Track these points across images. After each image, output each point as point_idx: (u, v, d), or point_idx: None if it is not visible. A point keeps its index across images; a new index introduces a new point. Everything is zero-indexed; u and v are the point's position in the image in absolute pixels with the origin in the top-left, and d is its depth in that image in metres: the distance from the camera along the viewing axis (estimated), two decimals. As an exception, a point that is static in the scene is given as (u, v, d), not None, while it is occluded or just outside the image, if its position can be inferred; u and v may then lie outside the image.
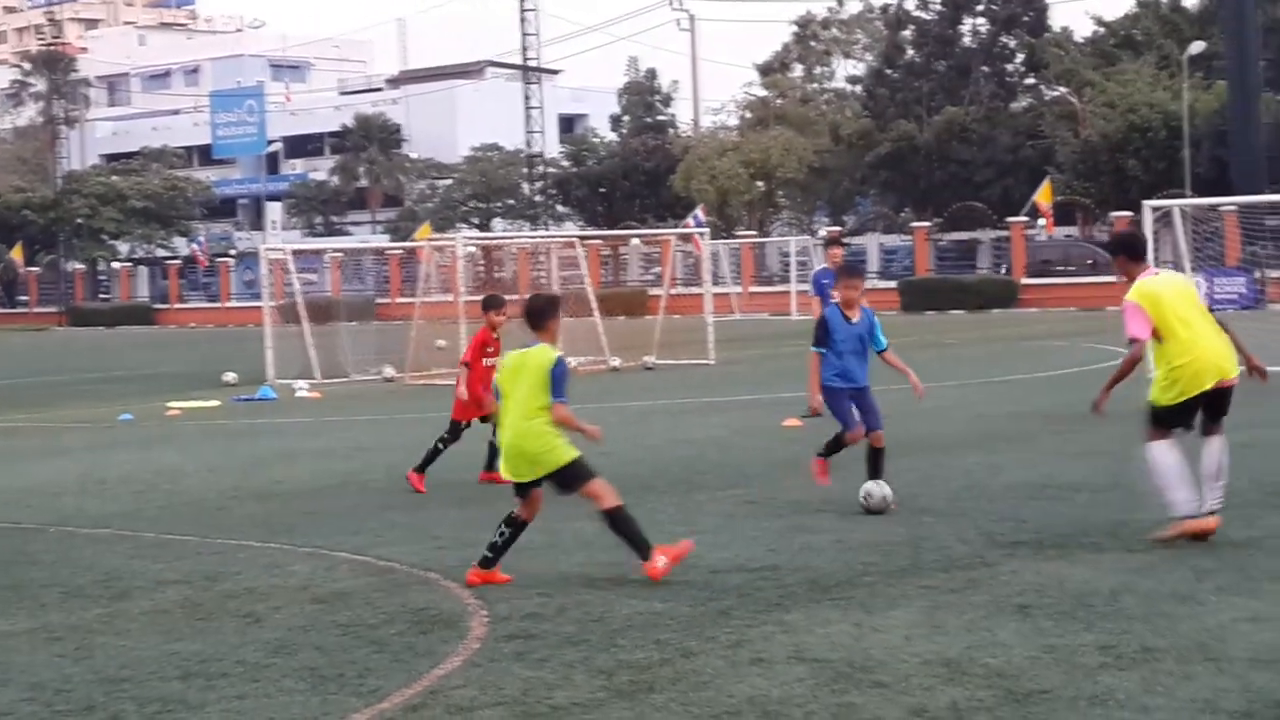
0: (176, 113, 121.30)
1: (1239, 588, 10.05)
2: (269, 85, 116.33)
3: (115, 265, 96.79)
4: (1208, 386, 11.44)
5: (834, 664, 8.50)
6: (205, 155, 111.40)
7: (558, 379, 11.05)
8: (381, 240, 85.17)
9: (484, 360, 16.39)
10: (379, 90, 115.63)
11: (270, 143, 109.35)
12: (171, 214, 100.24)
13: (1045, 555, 11.30)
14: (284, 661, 9.13)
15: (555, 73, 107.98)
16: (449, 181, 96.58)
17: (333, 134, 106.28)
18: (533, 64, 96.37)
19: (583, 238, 44.74)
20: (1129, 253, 11.98)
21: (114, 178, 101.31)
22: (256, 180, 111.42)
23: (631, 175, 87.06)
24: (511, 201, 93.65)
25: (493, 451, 15.44)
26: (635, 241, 67.51)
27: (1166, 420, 11.55)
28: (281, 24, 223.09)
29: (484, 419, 16.08)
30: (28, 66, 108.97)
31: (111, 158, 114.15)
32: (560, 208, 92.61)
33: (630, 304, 58.31)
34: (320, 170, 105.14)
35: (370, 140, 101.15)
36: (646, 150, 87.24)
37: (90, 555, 13.05)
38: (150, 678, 8.89)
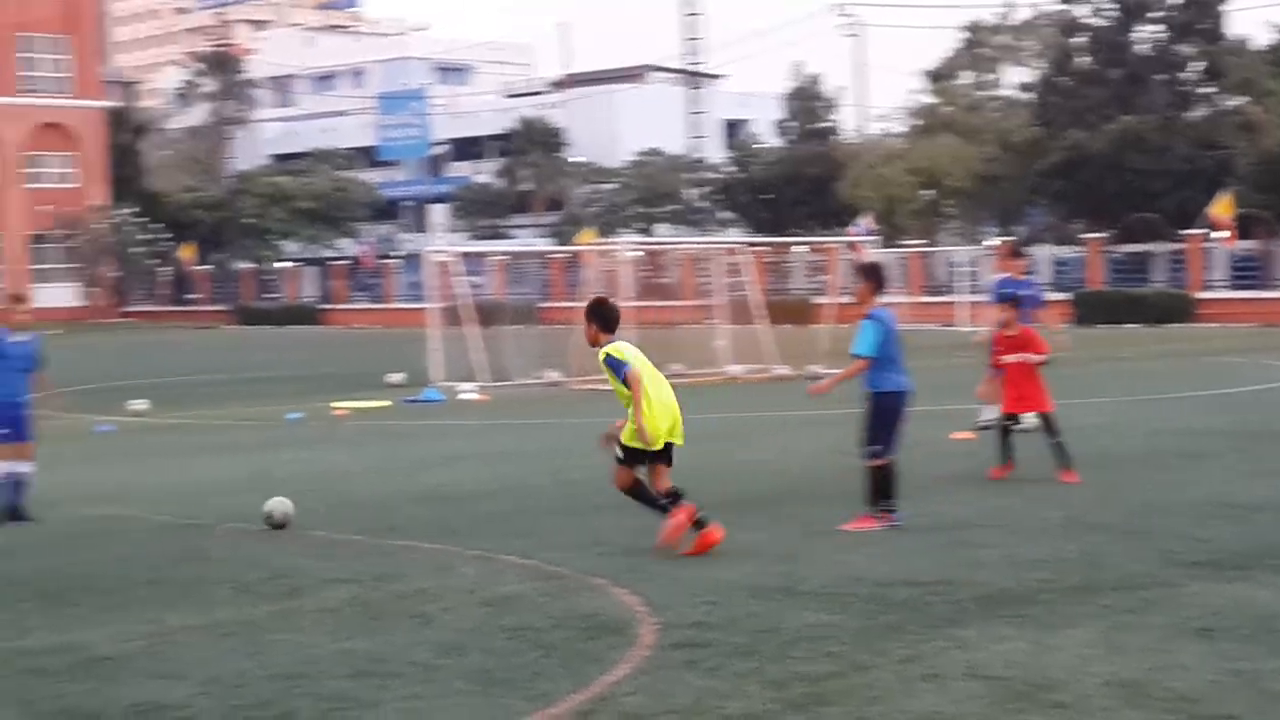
0: (343, 114, 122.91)
1: None
2: (433, 87, 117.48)
3: (282, 265, 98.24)
4: None
5: (1010, 682, 8.33)
6: (370, 157, 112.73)
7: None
8: (544, 244, 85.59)
9: None
10: (542, 93, 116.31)
11: (435, 145, 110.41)
12: (337, 215, 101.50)
13: (1226, 576, 11.01)
14: (454, 663, 9.15)
15: (718, 77, 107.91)
16: (612, 186, 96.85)
17: (496, 137, 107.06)
18: (696, 68, 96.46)
19: (748, 244, 44.59)
20: None
21: (282, 178, 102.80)
22: (421, 182, 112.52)
23: (796, 182, 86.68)
24: (675, 207, 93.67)
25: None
26: (800, 249, 67.20)
27: None
28: (446, 27, 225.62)
29: None
30: (198, 67, 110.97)
31: (279, 158, 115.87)
32: (724, 213, 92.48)
33: (794, 312, 57.96)
34: (484, 173, 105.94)
35: (533, 143, 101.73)
36: (812, 156, 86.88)
37: (261, 553, 13.21)
38: (323, 675, 8.95)
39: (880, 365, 13.40)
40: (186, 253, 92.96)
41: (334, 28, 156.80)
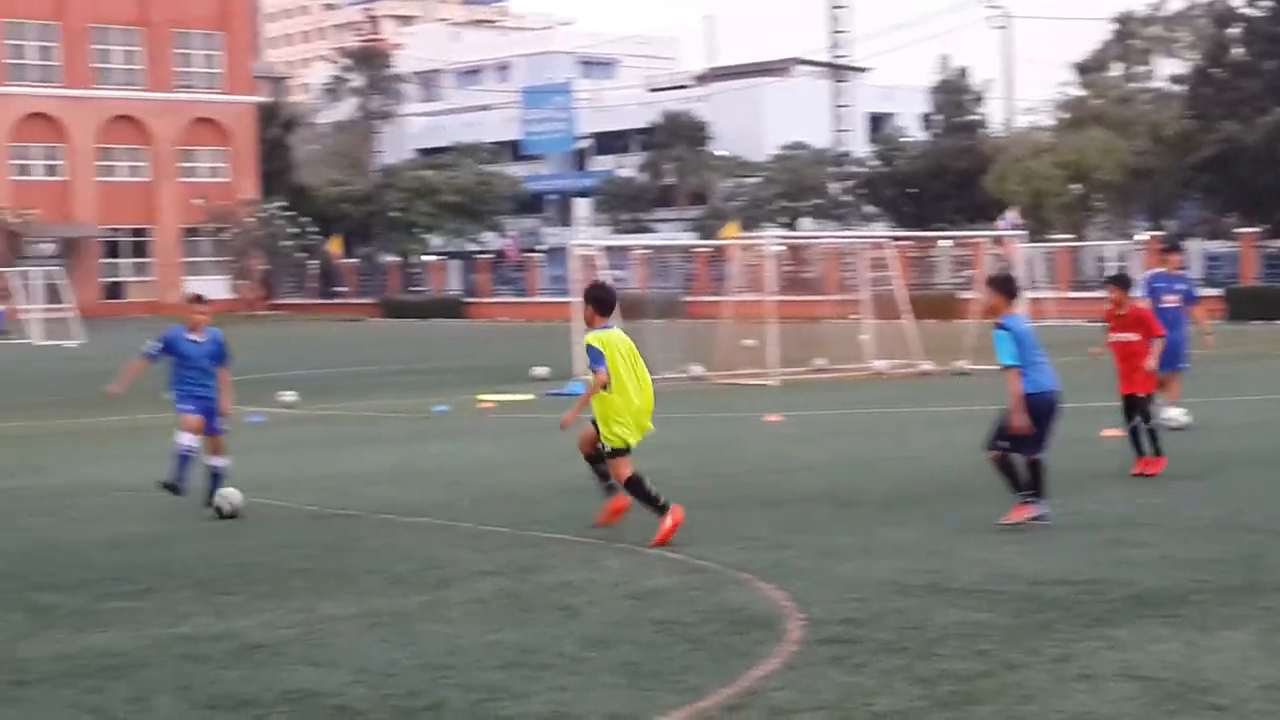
0: (487, 108, 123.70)
1: None
2: (578, 82, 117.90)
3: (427, 258, 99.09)
4: None
5: (1165, 683, 8.21)
6: (515, 151, 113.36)
7: None
8: (688, 238, 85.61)
9: None
10: (686, 87, 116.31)
11: (579, 139, 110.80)
12: (482, 208, 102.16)
13: (1387, 579, 10.79)
14: (602, 656, 9.18)
15: (864, 70, 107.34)
16: (756, 180, 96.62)
17: (640, 131, 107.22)
18: (842, 61, 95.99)
19: (892, 238, 44.32)
20: None
21: (427, 172, 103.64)
22: (565, 176, 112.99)
23: (942, 176, 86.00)
24: (819, 201, 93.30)
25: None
26: (945, 243, 66.63)
27: None
28: (590, 21, 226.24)
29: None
30: (346, 62, 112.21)
31: (425, 152, 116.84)
32: (868, 208, 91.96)
33: (940, 307, 57.50)
34: (627, 167, 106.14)
35: (677, 137, 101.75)
36: (958, 150, 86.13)
37: (410, 543, 13.33)
38: (473, 666, 9.03)
39: (1021, 370, 13.29)
40: (334, 246, 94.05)
41: (479, 22, 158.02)
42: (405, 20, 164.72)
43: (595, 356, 12.93)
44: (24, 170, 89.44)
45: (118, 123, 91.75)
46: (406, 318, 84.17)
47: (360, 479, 17.71)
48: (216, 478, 15.44)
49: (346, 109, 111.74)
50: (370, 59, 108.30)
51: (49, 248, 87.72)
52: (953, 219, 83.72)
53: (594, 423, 13.26)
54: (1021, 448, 13.32)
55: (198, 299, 15.78)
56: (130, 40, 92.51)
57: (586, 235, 75.19)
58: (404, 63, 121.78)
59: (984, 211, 78.20)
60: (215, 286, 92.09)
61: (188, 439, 15.27)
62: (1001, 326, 13.27)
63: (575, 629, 9.91)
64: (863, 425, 23.12)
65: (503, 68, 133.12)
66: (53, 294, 67.68)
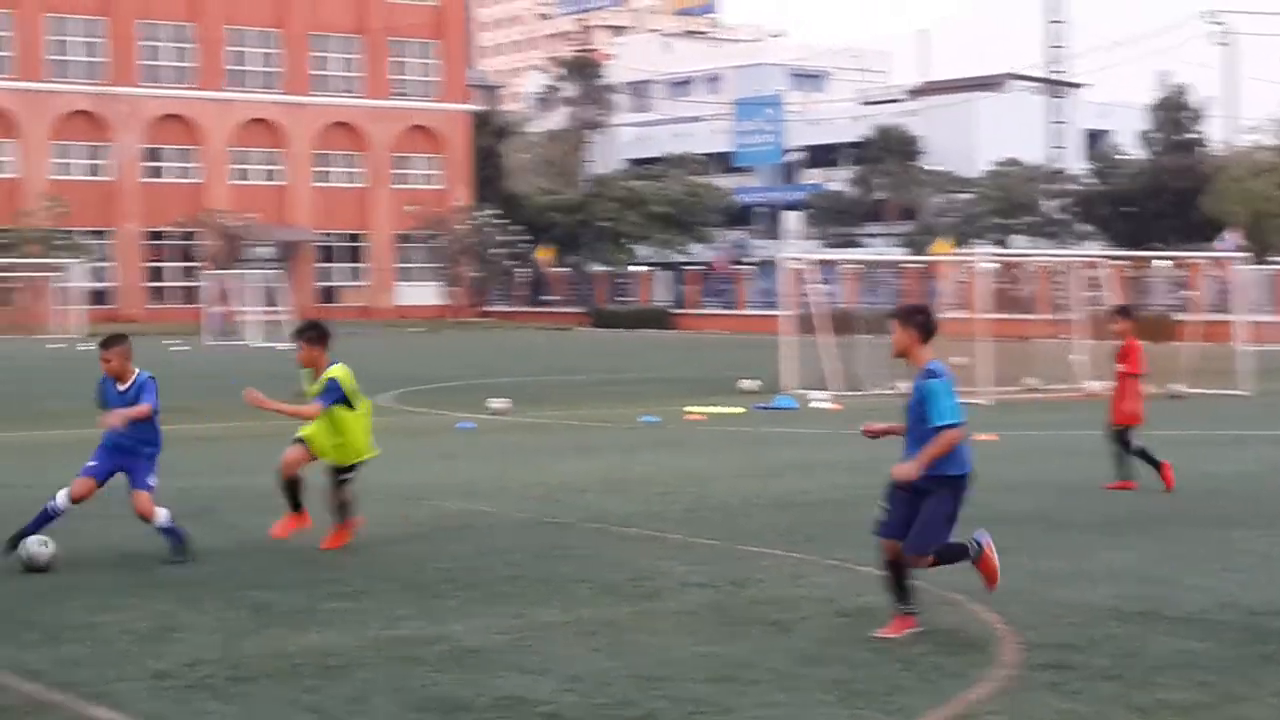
0: (698, 119, 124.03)
1: None
2: (788, 94, 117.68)
3: (635, 268, 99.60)
4: None
5: (1397, 724, 7.95)
6: (724, 162, 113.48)
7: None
8: (898, 253, 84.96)
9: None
10: (899, 101, 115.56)
11: (789, 152, 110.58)
12: (691, 220, 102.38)
13: None
14: (813, 672, 9.13)
15: (1081, 86, 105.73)
16: (968, 196, 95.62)
17: (851, 144, 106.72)
18: (1058, 77, 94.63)
19: (1107, 257, 43.56)
20: None
21: (637, 182, 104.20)
22: (774, 189, 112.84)
23: (1160, 194, 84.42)
24: (1033, 218, 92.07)
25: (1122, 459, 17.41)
26: (1162, 263, 65.36)
27: None
28: (802, 33, 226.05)
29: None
30: (559, 72, 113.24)
31: (635, 162, 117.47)
32: (1083, 226, 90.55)
33: (1155, 328, 56.39)
34: (837, 180, 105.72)
35: (889, 152, 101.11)
36: (1177, 169, 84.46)
37: (620, 553, 13.38)
38: (683, 678, 9.03)
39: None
40: (545, 254, 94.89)
41: (691, 33, 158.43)
42: (617, 31, 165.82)
43: (334, 389, 13.28)
44: (243, 175, 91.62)
45: (335, 129, 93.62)
46: (614, 328, 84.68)
47: (569, 487, 17.81)
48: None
49: (558, 118, 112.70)
50: (583, 69, 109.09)
51: (267, 251, 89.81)
52: (1169, 239, 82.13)
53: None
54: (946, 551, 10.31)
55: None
56: (349, 48, 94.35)
57: (796, 248, 75.05)
58: (616, 73, 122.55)
59: (1201, 232, 76.64)
60: (427, 293, 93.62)
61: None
62: (932, 374, 10.15)
63: (785, 644, 9.87)
64: (1076, 446, 22.73)
65: (713, 79, 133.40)
66: (269, 297, 69.23)
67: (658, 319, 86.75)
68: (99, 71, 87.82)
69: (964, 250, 48.73)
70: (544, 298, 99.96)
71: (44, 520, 12.73)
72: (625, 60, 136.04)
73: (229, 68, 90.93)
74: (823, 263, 46.74)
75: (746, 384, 34.73)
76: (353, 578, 12.15)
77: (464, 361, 50.13)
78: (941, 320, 34.31)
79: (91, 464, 12.95)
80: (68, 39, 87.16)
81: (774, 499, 16.70)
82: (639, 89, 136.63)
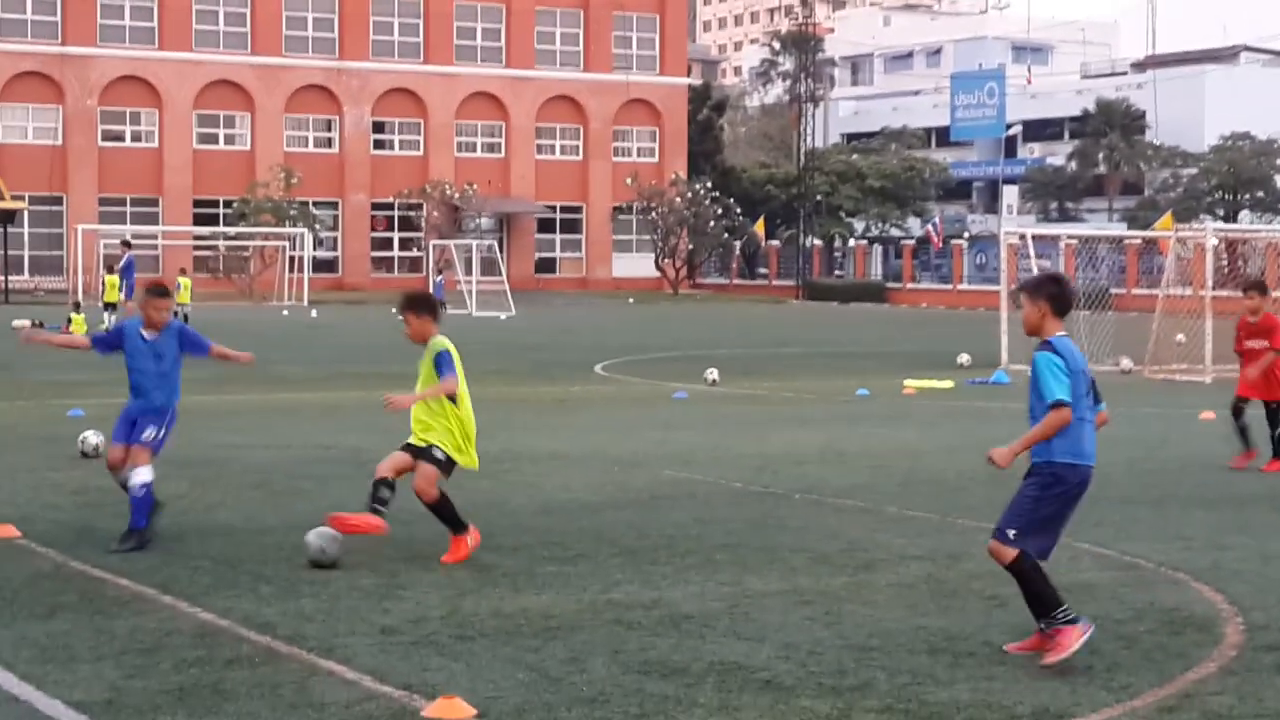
0: (917, 93, 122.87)
1: None
2: (1010, 67, 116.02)
3: (851, 243, 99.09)
4: None
5: None
6: (942, 137, 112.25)
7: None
8: (1119, 229, 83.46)
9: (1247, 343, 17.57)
10: (1123, 74, 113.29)
11: (1009, 126, 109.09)
12: (907, 194, 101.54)
13: None
14: (1030, 648, 9.07)
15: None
16: (1193, 171, 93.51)
17: (1073, 119, 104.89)
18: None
19: (1338, 234, 42.33)
20: None
21: (854, 156, 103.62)
22: (993, 163, 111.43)
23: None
24: (1261, 194, 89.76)
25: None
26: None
27: None
28: (1026, 6, 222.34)
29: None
30: (778, 46, 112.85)
31: (851, 137, 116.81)
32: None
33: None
34: (1057, 155, 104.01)
35: (1111, 126, 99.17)
36: None
37: (835, 524, 13.40)
38: (898, 649, 9.04)
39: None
40: (758, 228, 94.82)
41: (911, 7, 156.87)
42: (838, 5, 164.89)
43: (447, 361, 11.66)
44: (467, 147, 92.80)
45: (555, 102, 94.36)
46: (828, 301, 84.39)
47: (783, 458, 17.84)
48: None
49: (776, 92, 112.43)
50: (802, 43, 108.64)
51: (487, 222, 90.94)
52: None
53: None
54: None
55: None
56: (572, 22, 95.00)
57: (1013, 223, 74.07)
58: (834, 47, 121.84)
59: None
60: (642, 264, 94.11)
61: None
62: (1046, 346, 9.16)
63: (1002, 619, 9.82)
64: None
65: (934, 53, 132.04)
66: (489, 267, 70.15)
67: (873, 293, 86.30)
68: (331, 47, 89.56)
69: (1188, 226, 47.69)
70: (758, 271, 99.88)
71: None
72: (844, 35, 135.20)
73: (456, 43, 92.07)
74: (1040, 237, 46.09)
75: (963, 359, 34.48)
76: (571, 542, 12.32)
77: (680, 333, 50.36)
78: (1164, 298, 33.62)
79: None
80: (304, 14, 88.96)
81: (989, 473, 16.46)
82: (857, 63, 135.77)
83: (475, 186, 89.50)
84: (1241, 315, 17.63)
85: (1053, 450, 9.03)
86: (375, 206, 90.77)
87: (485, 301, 64.46)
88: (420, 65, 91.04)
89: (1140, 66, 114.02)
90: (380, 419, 15.69)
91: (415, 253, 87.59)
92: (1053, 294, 9.12)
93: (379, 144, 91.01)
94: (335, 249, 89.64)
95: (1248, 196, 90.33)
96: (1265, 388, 17.24)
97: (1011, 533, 8.98)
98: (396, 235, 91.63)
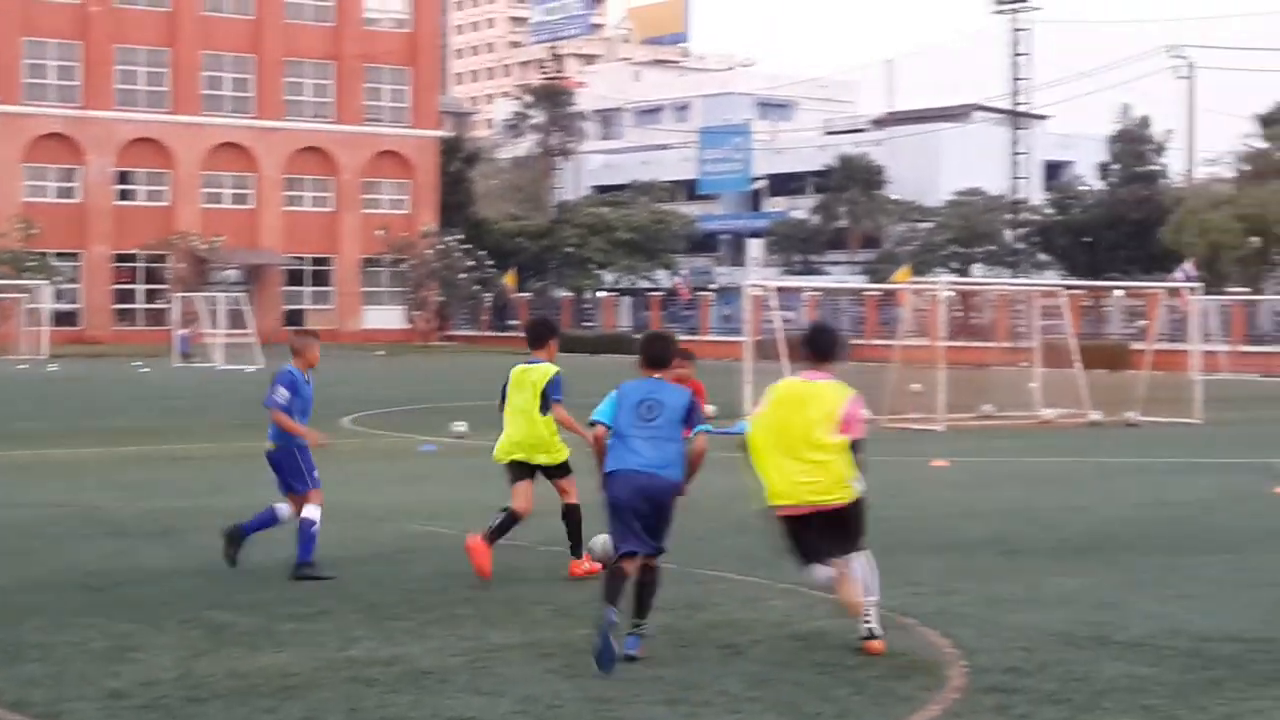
0: (665, 147, 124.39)
1: None
2: (756, 123, 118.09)
3: (600, 294, 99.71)
4: None
5: (1334, 747, 8.10)
6: (690, 190, 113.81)
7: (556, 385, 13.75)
8: (859, 281, 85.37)
9: None
10: (863, 130, 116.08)
11: (754, 180, 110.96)
12: (656, 246, 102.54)
13: None
14: (764, 694, 9.25)
15: (1043, 118, 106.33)
16: (930, 225, 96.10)
17: (815, 173, 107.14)
18: (1021, 109, 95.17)
19: (1065, 287, 43.88)
20: None
21: (603, 209, 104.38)
22: (739, 216, 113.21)
23: (1118, 225, 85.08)
24: (993, 247, 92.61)
25: None
26: (1119, 293, 65.82)
27: None
28: (771, 63, 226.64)
29: None
30: (528, 99, 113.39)
31: (601, 189, 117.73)
32: (1042, 256, 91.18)
33: (1111, 357, 56.96)
34: (801, 209, 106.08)
35: (852, 180, 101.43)
36: (1136, 200, 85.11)
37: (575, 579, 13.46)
38: (636, 700, 9.13)
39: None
40: (509, 279, 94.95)
41: (661, 62, 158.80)
42: (588, 59, 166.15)
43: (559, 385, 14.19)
44: (214, 199, 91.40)
45: (305, 154, 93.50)
46: (576, 352, 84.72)
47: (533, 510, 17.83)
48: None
49: (526, 145, 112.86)
50: (553, 96, 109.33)
51: (234, 274, 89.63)
52: (1127, 269, 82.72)
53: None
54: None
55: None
56: (322, 74, 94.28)
57: (758, 275, 75.28)
58: (585, 101, 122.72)
59: (1159, 263, 77.21)
60: (391, 316, 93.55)
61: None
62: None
63: (738, 668, 9.98)
64: (1030, 473, 22.94)
65: (682, 107, 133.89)
66: (236, 319, 69.11)
67: (621, 344, 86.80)
68: (73, 95, 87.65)
69: (924, 278, 49.01)
70: (509, 322, 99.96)
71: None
72: (595, 88, 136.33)
73: (204, 92, 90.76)
74: (784, 290, 46.94)
75: (707, 410, 34.85)
76: (312, 599, 12.22)
77: (427, 385, 50.17)
78: (901, 348, 34.58)
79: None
80: (43, 63, 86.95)
81: (730, 523, 16.80)
82: (608, 117, 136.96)
83: (223, 238, 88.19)
84: None
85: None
86: (119, 258, 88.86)
87: (233, 355, 63.47)
88: (167, 115, 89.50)
89: (879, 123, 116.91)
90: (119, 476, 15.39)
91: (161, 305, 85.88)
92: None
93: (123, 194, 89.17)
94: (76, 301, 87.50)
95: (980, 250, 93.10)
96: None
97: None
98: (141, 287, 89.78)
